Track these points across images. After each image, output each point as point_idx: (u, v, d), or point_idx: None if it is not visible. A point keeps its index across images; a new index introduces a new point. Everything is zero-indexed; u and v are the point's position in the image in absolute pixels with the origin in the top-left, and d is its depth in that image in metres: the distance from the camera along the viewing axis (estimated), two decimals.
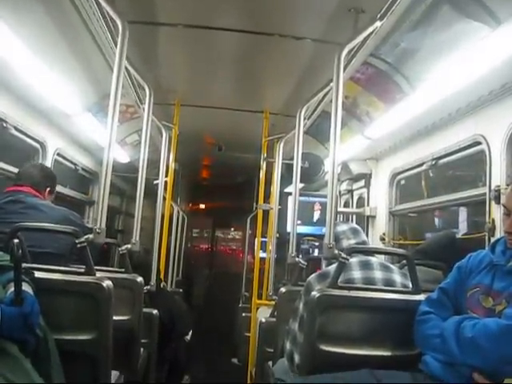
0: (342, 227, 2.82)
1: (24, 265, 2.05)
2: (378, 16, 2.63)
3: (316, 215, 6.45)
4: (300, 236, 6.46)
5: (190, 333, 5.23)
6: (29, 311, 1.86)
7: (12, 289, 1.89)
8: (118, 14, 2.53)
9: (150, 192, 4.34)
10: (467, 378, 1.92)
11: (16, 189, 2.97)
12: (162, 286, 4.72)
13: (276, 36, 3.47)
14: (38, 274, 2.23)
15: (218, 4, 3.15)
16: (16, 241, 1.88)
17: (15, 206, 2.82)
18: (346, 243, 2.70)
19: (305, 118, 3.78)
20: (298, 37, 3.46)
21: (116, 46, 2.61)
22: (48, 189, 3.15)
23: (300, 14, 3.18)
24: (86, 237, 2.37)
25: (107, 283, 2.35)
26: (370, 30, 2.69)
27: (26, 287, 1.97)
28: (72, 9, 2.91)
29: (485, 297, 2.05)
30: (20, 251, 1.87)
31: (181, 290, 7.47)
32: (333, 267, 2.49)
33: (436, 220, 5.33)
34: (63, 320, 2.27)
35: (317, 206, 6.44)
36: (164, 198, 4.74)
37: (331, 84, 2.77)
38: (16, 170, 3.73)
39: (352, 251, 2.49)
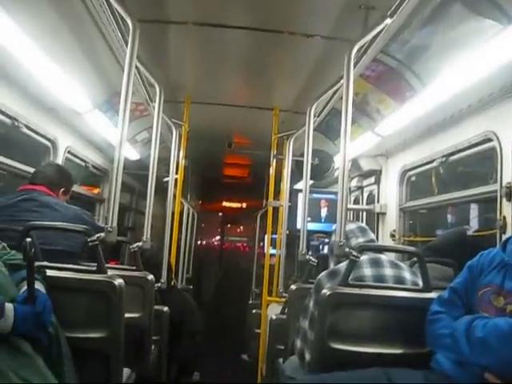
0: (350, 226, 2.80)
1: (36, 263, 2.07)
2: (389, 13, 2.62)
3: (323, 212, 6.43)
4: (310, 233, 6.46)
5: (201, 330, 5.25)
6: (41, 309, 1.88)
7: (25, 287, 1.91)
8: (129, 13, 2.53)
9: (160, 189, 4.35)
10: (479, 376, 1.91)
11: (30, 187, 2.99)
12: (172, 283, 4.74)
13: (286, 33, 3.46)
14: (50, 273, 2.25)
15: (228, 2, 3.15)
16: (29, 240, 1.90)
17: (28, 204, 2.84)
18: (354, 242, 2.70)
19: (315, 115, 3.77)
20: (308, 34, 3.46)
21: (126, 45, 2.61)
22: (62, 189, 3.16)
23: (310, 12, 3.17)
24: (97, 235, 2.38)
25: (119, 281, 2.36)
26: (381, 27, 2.68)
27: (38, 285, 1.99)
28: (83, 8, 2.92)
29: (496, 296, 2.04)
30: (33, 250, 1.88)
31: (191, 287, 7.49)
32: (343, 265, 2.49)
33: (447, 217, 5.30)
34: (75, 318, 2.28)
35: (323, 203, 6.41)
36: (174, 196, 4.76)
37: (341, 81, 2.76)
38: (27, 168, 3.77)
39: (363, 249, 2.48)
